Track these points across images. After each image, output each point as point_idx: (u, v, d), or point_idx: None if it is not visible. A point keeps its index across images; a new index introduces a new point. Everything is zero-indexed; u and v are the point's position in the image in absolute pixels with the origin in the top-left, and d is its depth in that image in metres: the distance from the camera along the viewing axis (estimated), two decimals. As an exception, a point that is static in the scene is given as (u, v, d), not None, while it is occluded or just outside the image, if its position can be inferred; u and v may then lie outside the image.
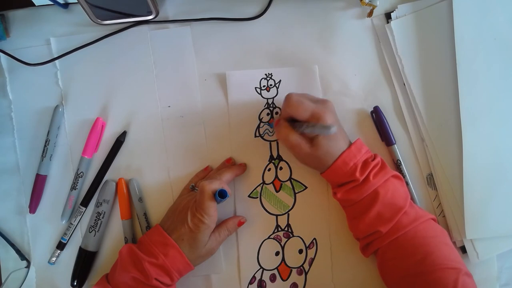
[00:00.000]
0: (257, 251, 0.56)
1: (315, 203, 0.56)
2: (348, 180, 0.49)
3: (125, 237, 0.57)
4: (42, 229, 0.58)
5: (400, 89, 0.57)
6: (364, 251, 0.52)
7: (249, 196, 0.57)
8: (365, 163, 0.49)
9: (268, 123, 0.57)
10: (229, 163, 0.57)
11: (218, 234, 0.52)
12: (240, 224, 0.55)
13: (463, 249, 0.54)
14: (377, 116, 0.56)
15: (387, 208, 0.48)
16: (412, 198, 0.55)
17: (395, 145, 0.55)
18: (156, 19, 0.58)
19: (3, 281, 0.58)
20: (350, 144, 0.50)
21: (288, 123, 0.51)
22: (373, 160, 0.50)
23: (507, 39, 0.54)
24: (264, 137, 0.58)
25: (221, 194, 0.49)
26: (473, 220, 0.52)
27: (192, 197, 0.52)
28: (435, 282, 0.44)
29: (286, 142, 0.51)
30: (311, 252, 0.56)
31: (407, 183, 0.54)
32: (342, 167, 0.49)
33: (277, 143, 0.58)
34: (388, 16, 0.57)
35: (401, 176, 0.52)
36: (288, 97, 0.50)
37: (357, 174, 0.48)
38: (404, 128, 0.57)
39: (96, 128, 0.57)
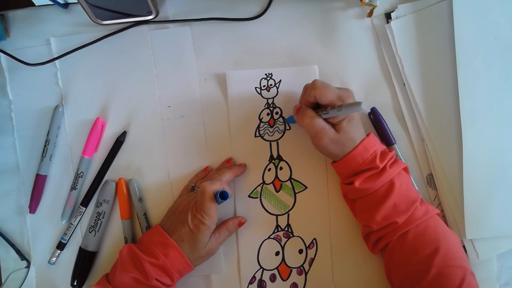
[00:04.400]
0: (257, 251, 0.56)
1: (315, 203, 0.56)
2: (367, 167, 0.49)
3: (125, 237, 0.57)
4: (42, 229, 0.58)
5: (400, 89, 0.57)
6: (374, 246, 0.51)
7: (249, 196, 0.57)
8: (383, 153, 0.50)
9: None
10: (229, 164, 0.57)
11: (218, 234, 0.52)
12: (240, 224, 0.55)
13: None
14: (375, 117, 0.56)
15: (402, 199, 0.48)
16: None
17: (395, 145, 0.55)
18: (156, 19, 0.58)
19: (3, 281, 0.58)
20: (368, 134, 0.51)
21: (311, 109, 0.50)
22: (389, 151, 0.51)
23: (507, 39, 0.54)
24: (264, 137, 0.58)
25: (222, 196, 0.49)
26: (473, 220, 0.52)
27: (192, 198, 0.52)
28: (442, 280, 0.44)
29: (311, 128, 0.49)
30: (311, 252, 0.56)
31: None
32: (362, 154, 0.49)
33: (277, 143, 0.57)
34: (388, 16, 0.57)
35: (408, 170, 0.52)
36: (314, 82, 0.49)
37: (377, 161, 0.49)
38: (404, 128, 0.57)
39: (96, 128, 0.57)
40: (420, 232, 0.48)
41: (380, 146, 0.50)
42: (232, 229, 0.54)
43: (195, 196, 0.51)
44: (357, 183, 0.49)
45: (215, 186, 0.50)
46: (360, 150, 0.49)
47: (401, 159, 0.55)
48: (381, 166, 0.49)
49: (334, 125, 0.49)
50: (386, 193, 0.48)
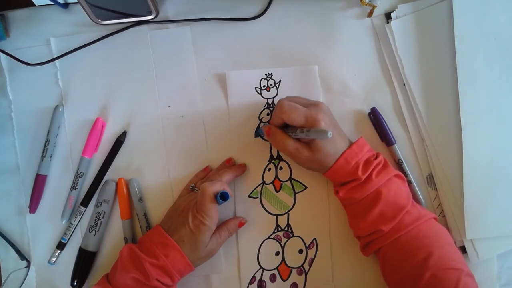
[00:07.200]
0: (257, 251, 0.56)
1: (315, 203, 0.56)
2: (350, 179, 0.49)
3: (125, 237, 0.57)
4: (42, 229, 0.58)
5: (400, 89, 0.57)
6: (364, 250, 0.52)
7: (249, 196, 0.57)
8: (367, 162, 0.49)
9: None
10: (229, 164, 0.57)
11: (218, 235, 0.52)
12: (241, 225, 0.55)
13: (463, 249, 0.54)
14: (375, 117, 0.56)
15: (390, 207, 0.48)
16: (417, 197, 0.55)
17: (395, 145, 0.55)
18: (156, 19, 0.58)
19: (3, 281, 0.58)
20: (352, 143, 0.50)
21: (281, 130, 0.51)
22: (375, 158, 0.50)
23: (507, 39, 0.54)
24: (264, 137, 0.57)
25: (223, 196, 0.49)
26: (473, 220, 0.52)
27: (192, 198, 0.52)
28: (437, 283, 0.44)
29: (283, 150, 0.51)
30: (311, 252, 0.56)
31: (410, 182, 0.54)
32: (343, 167, 0.49)
33: (277, 143, 0.57)
34: (388, 16, 0.57)
35: (403, 176, 0.52)
36: (280, 104, 0.49)
37: (359, 172, 0.48)
38: (404, 128, 0.57)
39: (96, 128, 0.57)
40: (411, 237, 0.47)
41: (365, 154, 0.49)
42: (233, 229, 0.54)
43: (195, 197, 0.51)
44: (341, 193, 0.50)
45: (216, 186, 0.50)
46: (340, 163, 0.49)
47: (401, 159, 0.55)
48: (364, 177, 0.48)
49: (309, 142, 0.49)
50: (373, 203, 0.48)
